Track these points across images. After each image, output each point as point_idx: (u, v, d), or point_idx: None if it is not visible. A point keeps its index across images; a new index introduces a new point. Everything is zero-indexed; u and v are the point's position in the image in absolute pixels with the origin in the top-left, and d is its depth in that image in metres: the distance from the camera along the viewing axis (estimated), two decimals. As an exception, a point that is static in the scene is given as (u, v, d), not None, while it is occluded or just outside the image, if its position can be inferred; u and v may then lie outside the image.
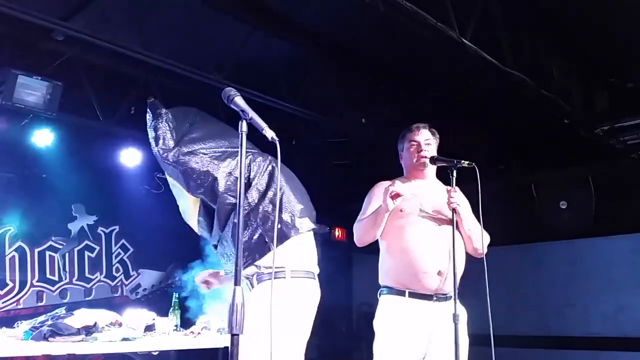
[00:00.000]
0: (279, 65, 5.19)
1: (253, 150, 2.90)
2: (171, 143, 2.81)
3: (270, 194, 2.75)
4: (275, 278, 2.64)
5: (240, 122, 1.96)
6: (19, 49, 4.64)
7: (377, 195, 2.88)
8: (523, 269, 7.50)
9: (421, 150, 3.00)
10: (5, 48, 4.56)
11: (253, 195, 2.73)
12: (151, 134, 2.88)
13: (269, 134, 1.96)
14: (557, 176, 7.06)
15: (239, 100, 2.00)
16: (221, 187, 2.75)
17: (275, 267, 2.65)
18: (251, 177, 2.78)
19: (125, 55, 4.39)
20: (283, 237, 2.70)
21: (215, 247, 2.91)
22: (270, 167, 2.83)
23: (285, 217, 2.74)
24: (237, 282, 1.84)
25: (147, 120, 2.92)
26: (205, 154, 2.79)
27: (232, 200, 2.71)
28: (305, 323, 2.76)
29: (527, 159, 6.91)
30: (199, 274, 3.28)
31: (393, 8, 3.60)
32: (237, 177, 2.70)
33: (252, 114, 1.97)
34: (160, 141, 2.80)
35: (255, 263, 2.68)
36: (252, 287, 2.76)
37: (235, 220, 2.54)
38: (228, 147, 2.86)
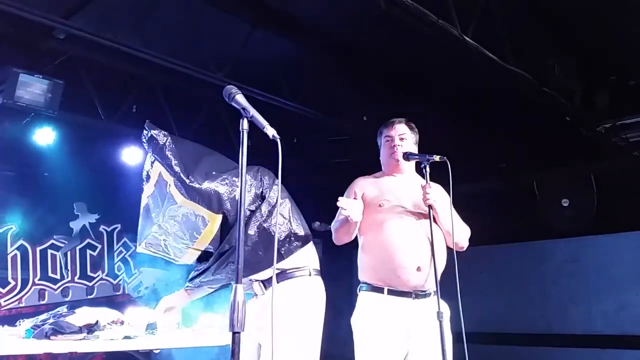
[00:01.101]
0: (279, 64, 5.19)
1: (258, 166, 2.92)
2: (190, 168, 2.80)
3: (279, 207, 2.79)
4: (299, 276, 2.74)
5: (241, 120, 1.96)
6: (20, 47, 4.65)
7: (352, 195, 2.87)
8: (524, 267, 7.48)
9: (394, 146, 2.99)
10: (7, 46, 4.56)
11: (265, 208, 2.77)
12: (167, 162, 2.79)
13: (270, 132, 1.96)
14: (558, 174, 7.05)
15: (240, 98, 2.00)
16: (247, 201, 2.79)
17: (298, 267, 2.75)
18: (263, 191, 2.81)
19: (127, 54, 4.39)
20: (298, 246, 2.79)
21: (200, 261, 2.92)
22: (275, 181, 2.87)
23: (296, 226, 2.83)
24: (238, 280, 1.84)
25: (152, 148, 2.84)
26: (225, 174, 2.81)
27: (248, 213, 2.76)
28: (321, 319, 2.83)
29: (529, 157, 6.89)
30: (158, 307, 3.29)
31: (394, 5, 3.59)
32: (256, 193, 2.78)
33: (253, 112, 1.97)
34: (178, 168, 2.77)
35: (278, 265, 2.75)
36: (265, 288, 2.77)
37: (250, 232, 2.67)
38: (237, 166, 2.87)
